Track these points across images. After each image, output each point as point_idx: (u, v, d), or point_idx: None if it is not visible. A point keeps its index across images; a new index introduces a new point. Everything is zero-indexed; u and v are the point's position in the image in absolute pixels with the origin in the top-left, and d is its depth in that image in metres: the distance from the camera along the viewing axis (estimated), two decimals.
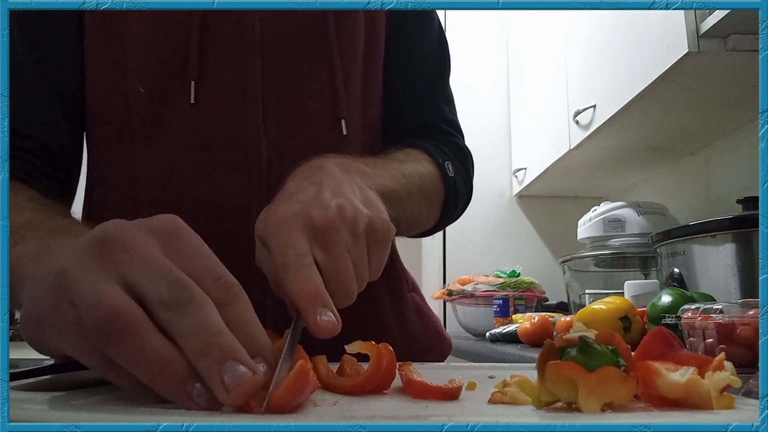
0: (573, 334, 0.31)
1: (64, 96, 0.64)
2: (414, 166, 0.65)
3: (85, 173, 0.69)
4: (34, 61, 0.63)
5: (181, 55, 0.61)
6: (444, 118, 0.76)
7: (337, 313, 0.39)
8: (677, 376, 0.30)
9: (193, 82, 0.61)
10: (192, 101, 0.61)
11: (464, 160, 0.75)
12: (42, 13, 0.63)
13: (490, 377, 0.45)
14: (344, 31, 0.67)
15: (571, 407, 0.30)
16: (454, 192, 0.71)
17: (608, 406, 0.29)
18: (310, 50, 0.65)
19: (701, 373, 0.31)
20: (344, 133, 0.65)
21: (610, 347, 0.31)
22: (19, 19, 0.62)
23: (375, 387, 0.38)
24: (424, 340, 0.72)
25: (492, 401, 0.34)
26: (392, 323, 0.69)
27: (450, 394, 0.36)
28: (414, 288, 0.77)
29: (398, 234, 0.73)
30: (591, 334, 0.32)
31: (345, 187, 0.48)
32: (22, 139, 0.61)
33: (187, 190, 0.61)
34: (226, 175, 0.61)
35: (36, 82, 0.63)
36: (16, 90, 0.61)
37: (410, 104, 0.74)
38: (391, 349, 0.40)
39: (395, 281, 0.73)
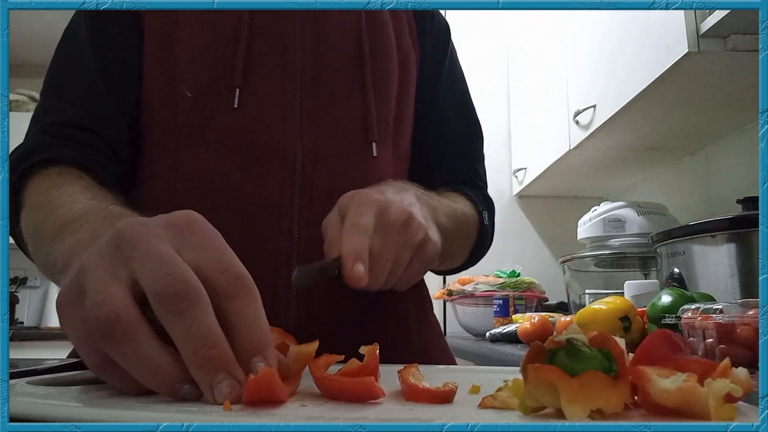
0: (562, 336, 0.30)
1: (123, 97, 0.69)
2: (462, 208, 0.73)
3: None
4: (99, 64, 0.69)
5: (228, 67, 0.67)
6: (479, 177, 0.85)
7: (367, 271, 0.49)
8: (668, 383, 0.27)
9: (237, 89, 0.66)
10: (235, 106, 0.65)
11: (492, 212, 0.82)
12: (108, 21, 0.70)
13: (505, 381, 0.44)
14: (379, 66, 0.73)
15: (561, 414, 0.28)
16: (483, 239, 0.78)
17: (599, 414, 0.28)
18: (346, 81, 0.71)
19: (702, 380, 0.28)
20: (374, 154, 0.70)
21: (603, 351, 0.30)
22: (87, 23, 0.70)
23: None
24: (438, 360, 0.74)
25: (482, 406, 0.33)
26: (414, 336, 0.72)
27: (442, 398, 0.35)
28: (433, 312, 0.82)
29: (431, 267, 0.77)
30: (582, 337, 0.30)
31: (421, 208, 0.59)
32: (83, 131, 0.66)
33: (225, 188, 0.65)
34: (261, 177, 0.65)
35: (99, 83, 0.68)
36: (81, 89, 0.68)
37: (452, 163, 0.83)
38: (376, 352, 0.40)
39: (422, 300, 0.78)
